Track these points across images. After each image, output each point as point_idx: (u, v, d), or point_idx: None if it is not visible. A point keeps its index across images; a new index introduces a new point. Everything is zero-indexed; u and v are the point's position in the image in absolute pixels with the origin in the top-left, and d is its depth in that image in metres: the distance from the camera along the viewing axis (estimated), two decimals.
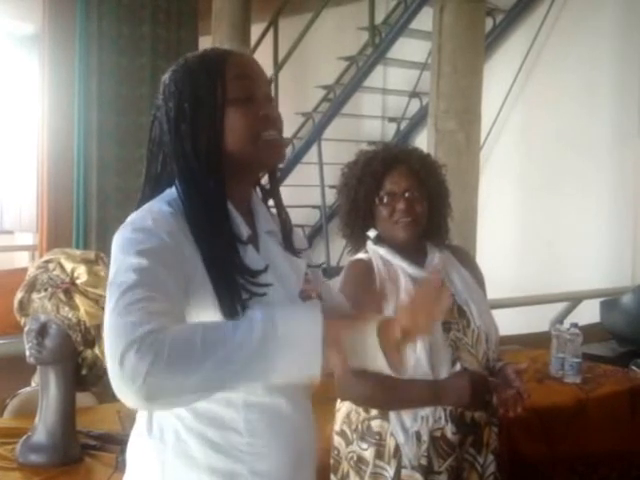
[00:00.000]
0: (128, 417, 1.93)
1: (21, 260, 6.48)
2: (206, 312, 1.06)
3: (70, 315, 1.62)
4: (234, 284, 1.07)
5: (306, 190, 5.68)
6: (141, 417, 1.16)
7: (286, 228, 1.25)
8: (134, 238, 1.03)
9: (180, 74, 1.16)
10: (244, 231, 1.15)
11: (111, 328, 0.95)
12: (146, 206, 1.12)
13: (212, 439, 1.08)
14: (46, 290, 1.63)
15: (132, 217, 1.09)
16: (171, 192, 1.15)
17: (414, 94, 5.90)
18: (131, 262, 0.99)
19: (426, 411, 1.72)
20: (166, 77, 1.18)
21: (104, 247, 4.55)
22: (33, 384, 2.00)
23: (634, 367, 2.75)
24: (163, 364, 0.88)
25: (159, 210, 1.09)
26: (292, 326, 0.94)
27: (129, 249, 1.02)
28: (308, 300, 1.18)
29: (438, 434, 1.72)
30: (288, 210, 1.27)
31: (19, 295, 1.68)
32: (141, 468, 1.14)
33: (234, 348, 0.91)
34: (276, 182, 1.25)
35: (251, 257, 1.12)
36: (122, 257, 1.02)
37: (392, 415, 1.72)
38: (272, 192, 1.25)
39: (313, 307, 1.00)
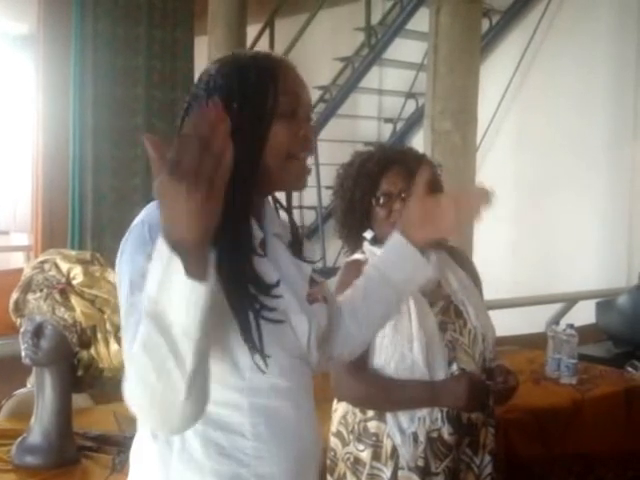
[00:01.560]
0: (125, 418, 1.93)
1: (16, 260, 6.46)
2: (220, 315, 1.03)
3: (66, 316, 1.61)
4: (247, 295, 1.05)
5: (302, 191, 5.67)
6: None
7: (296, 233, 1.24)
8: (147, 248, 0.97)
9: (229, 69, 1.12)
10: (258, 235, 1.13)
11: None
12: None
13: (218, 442, 1.07)
14: (42, 291, 1.62)
15: (146, 214, 1.05)
16: None
17: (410, 95, 5.91)
18: (134, 284, 0.97)
19: (423, 412, 1.72)
20: (211, 68, 1.13)
21: (99, 247, 4.50)
22: (29, 385, 1.99)
23: (630, 368, 2.75)
24: (140, 347, 0.87)
25: None
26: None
27: (138, 263, 0.98)
28: (315, 303, 1.18)
29: (435, 435, 1.72)
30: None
31: (14, 296, 1.68)
32: (145, 471, 1.12)
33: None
34: (291, 199, 1.23)
35: (264, 269, 1.10)
36: (129, 274, 0.99)
37: (389, 416, 1.72)
38: (288, 209, 1.23)
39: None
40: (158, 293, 0.85)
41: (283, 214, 1.25)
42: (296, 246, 1.22)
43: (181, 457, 1.07)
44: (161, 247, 0.83)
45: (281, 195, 1.24)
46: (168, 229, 0.83)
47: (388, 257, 1.35)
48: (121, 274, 1.02)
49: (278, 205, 1.23)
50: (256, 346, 1.04)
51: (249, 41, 5.83)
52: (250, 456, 1.08)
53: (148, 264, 0.88)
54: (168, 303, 0.85)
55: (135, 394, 0.90)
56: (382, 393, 1.72)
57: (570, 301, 4.03)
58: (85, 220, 4.87)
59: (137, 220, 1.06)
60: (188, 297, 0.84)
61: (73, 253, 1.70)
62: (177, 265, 0.83)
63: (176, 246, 0.83)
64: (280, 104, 1.10)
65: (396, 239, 1.32)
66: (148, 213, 1.06)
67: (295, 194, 1.25)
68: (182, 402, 0.88)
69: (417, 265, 1.32)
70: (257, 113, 1.09)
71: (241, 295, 1.05)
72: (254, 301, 1.06)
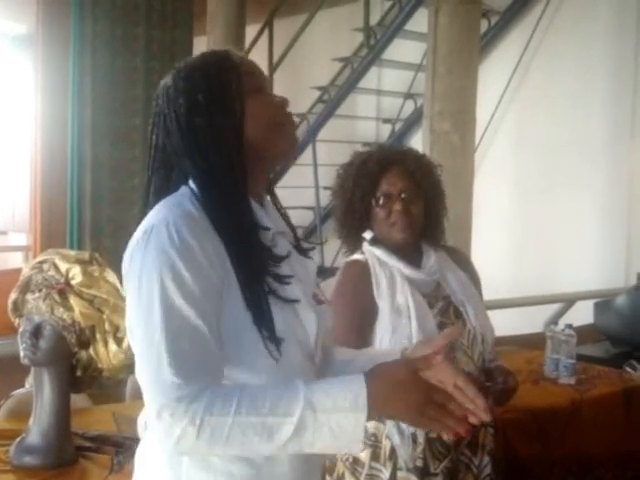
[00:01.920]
0: (124, 419, 1.93)
1: (15, 260, 6.45)
2: (229, 302, 1.05)
3: (65, 316, 1.60)
4: (260, 273, 1.07)
5: (300, 191, 5.67)
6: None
7: (295, 230, 1.24)
8: (175, 263, 1.00)
9: (186, 72, 1.14)
10: (266, 222, 1.13)
11: (148, 377, 1.00)
12: (170, 205, 1.07)
13: None
14: (40, 291, 1.62)
15: (163, 216, 1.05)
16: (184, 192, 1.12)
17: (409, 95, 5.91)
18: (173, 301, 1.00)
19: None
20: (167, 80, 1.15)
21: (98, 247, 4.50)
22: (27, 385, 1.98)
23: (628, 368, 2.75)
24: (194, 435, 0.96)
25: (187, 210, 1.06)
26: (334, 420, 0.97)
27: (170, 276, 1.00)
28: (320, 304, 1.18)
29: (434, 436, 1.72)
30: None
31: (13, 296, 1.67)
32: (153, 472, 1.12)
33: (268, 433, 0.96)
34: (274, 189, 1.24)
35: (273, 245, 1.12)
36: (157, 281, 1.00)
37: None
38: (273, 199, 1.23)
39: (358, 394, 0.98)
40: (325, 415, 0.96)
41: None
42: (299, 244, 1.23)
43: (193, 457, 1.07)
44: (361, 400, 0.97)
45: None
46: (395, 413, 1.03)
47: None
48: (142, 282, 1.02)
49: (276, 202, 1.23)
50: (269, 329, 1.05)
51: (248, 41, 5.82)
52: (262, 457, 1.08)
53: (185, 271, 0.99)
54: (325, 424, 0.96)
55: (210, 428, 0.96)
56: None
57: (568, 301, 4.04)
58: (84, 220, 4.86)
59: (151, 223, 1.05)
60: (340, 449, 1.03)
61: (72, 253, 1.70)
62: (361, 424, 0.97)
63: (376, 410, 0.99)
64: (245, 83, 1.13)
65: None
66: (165, 213, 1.06)
67: (293, 194, 1.25)
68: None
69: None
70: (226, 98, 1.11)
71: (254, 274, 1.06)
72: (266, 280, 1.07)
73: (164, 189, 1.14)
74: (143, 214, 1.12)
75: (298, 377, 1.08)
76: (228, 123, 1.10)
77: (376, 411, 0.99)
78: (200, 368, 0.99)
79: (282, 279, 1.09)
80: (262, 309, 1.05)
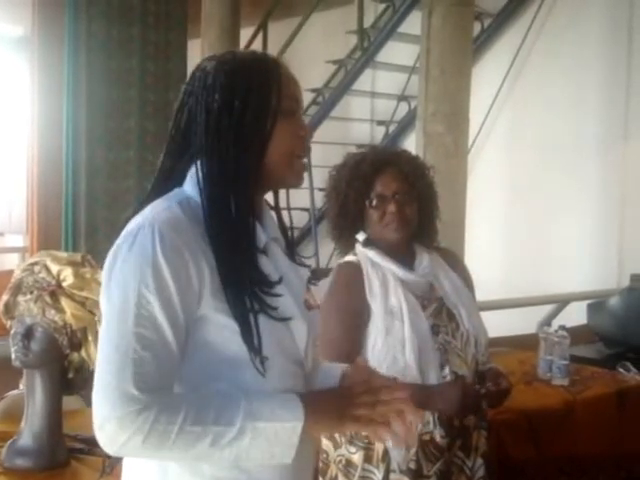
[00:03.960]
0: None
1: (11, 262, 6.44)
2: (217, 316, 1.05)
3: (56, 318, 1.60)
4: (248, 295, 1.05)
5: (295, 193, 5.61)
6: None
7: (290, 237, 1.23)
8: (157, 270, 1.00)
9: (231, 67, 1.10)
10: (263, 238, 1.12)
11: (107, 381, 0.99)
12: (160, 209, 1.06)
13: None
14: (32, 293, 1.61)
15: (138, 240, 1.03)
16: (181, 191, 1.11)
17: (402, 97, 5.91)
18: (149, 311, 0.99)
19: None
20: (210, 64, 1.12)
21: (93, 248, 4.50)
22: (21, 387, 1.98)
23: (621, 369, 2.76)
24: (140, 441, 0.96)
25: (175, 216, 1.05)
26: (271, 433, 1.00)
27: (150, 283, 1.00)
28: (310, 310, 1.18)
29: (427, 438, 1.72)
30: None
31: (4, 298, 1.67)
32: (141, 476, 1.12)
33: (211, 440, 0.98)
34: (278, 199, 1.23)
35: (267, 268, 1.10)
36: (135, 286, 1.00)
37: None
38: (276, 208, 1.22)
39: (294, 409, 1.02)
40: (263, 428, 0.99)
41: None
42: (291, 250, 1.22)
43: (180, 462, 1.07)
44: (298, 411, 1.01)
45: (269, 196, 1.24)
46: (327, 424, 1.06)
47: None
48: (119, 284, 1.02)
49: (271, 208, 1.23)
50: (255, 347, 1.04)
51: (242, 44, 5.82)
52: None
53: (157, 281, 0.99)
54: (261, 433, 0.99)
55: (158, 438, 0.97)
56: None
57: (562, 302, 4.04)
58: (79, 222, 4.86)
59: (138, 224, 1.04)
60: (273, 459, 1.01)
61: (64, 255, 1.69)
62: (294, 442, 1.01)
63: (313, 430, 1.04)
64: (282, 104, 1.11)
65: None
66: (153, 216, 1.05)
67: (287, 195, 1.25)
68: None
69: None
70: (261, 113, 1.09)
71: (244, 294, 1.05)
72: (256, 300, 1.05)
73: (170, 177, 1.13)
74: (142, 206, 1.10)
75: (285, 387, 1.09)
76: (255, 138, 1.09)
77: (312, 421, 1.02)
78: (159, 382, 1.00)
79: (272, 295, 1.08)
80: (249, 326, 1.04)
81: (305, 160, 1.16)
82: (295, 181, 1.17)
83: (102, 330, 1.03)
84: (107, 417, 0.97)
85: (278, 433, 1.00)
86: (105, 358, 1.00)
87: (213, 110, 1.09)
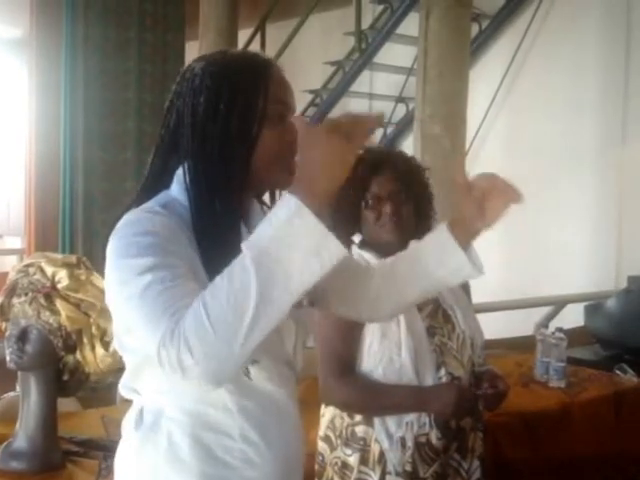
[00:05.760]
0: (112, 422, 1.92)
1: (9, 264, 6.44)
2: None
3: (51, 320, 1.60)
4: None
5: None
6: (128, 419, 1.14)
7: None
8: (135, 241, 1.00)
9: (218, 69, 1.09)
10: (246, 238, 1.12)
11: (145, 321, 0.95)
12: (140, 210, 1.07)
13: (206, 443, 1.07)
14: (26, 295, 1.61)
15: (127, 219, 1.04)
16: (167, 193, 1.10)
17: (400, 99, 5.91)
18: (139, 263, 0.97)
19: (411, 417, 1.71)
20: (196, 67, 1.11)
21: (90, 250, 4.51)
22: (18, 389, 1.98)
23: (618, 371, 2.76)
24: (190, 353, 0.90)
25: (155, 213, 1.05)
26: (284, 238, 0.92)
27: (133, 251, 0.99)
28: (299, 307, 1.17)
29: (423, 440, 1.72)
30: None
31: None
32: (130, 473, 1.12)
33: (241, 300, 0.90)
34: (275, 198, 1.20)
35: None
36: (126, 261, 0.99)
37: (376, 421, 1.71)
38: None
39: (287, 203, 0.93)
40: (277, 244, 0.90)
41: None
42: None
43: (168, 458, 1.07)
44: (293, 202, 0.91)
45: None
46: (315, 182, 0.93)
47: (432, 251, 1.24)
48: (120, 246, 1.01)
49: (265, 206, 1.22)
50: None
51: (240, 45, 5.82)
52: (237, 459, 1.08)
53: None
54: (287, 258, 0.90)
55: (196, 338, 0.89)
56: (370, 397, 1.71)
57: (559, 304, 4.04)
58: (76, 223, 4.87)
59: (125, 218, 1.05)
60: (319, 252, 0.91)
61: (59, 257, 1.69)
62: (311, 219, 0.91)
63: (313, 203, 0.91)
64: (269, 110, 1.09)
65: (442, 234, 1.22)
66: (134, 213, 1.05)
67: (279, 196, 1.24)
68: (239, 347, 0.90)
69: (460, 264, 1.22)
70: (246, 117, 1.07)
71: None
72: None
73: (160, 178, 1.13)
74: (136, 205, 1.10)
75: (273, 388, 1.09)
76: (240, 143, 1.07)
77: (309, 194, 0.92)
78: (182, 301, 0.95)
79: None
80: None
81: (293, 162, 1.11)
82: (284, 183, 1.13)
83: (115, 297, 1.02)
84: (156, 352, 0.92)
85: (291, 233, 0.91)
86: (137, 307, 0.97)
87: (199, 113, 1.08)
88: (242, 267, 0.91)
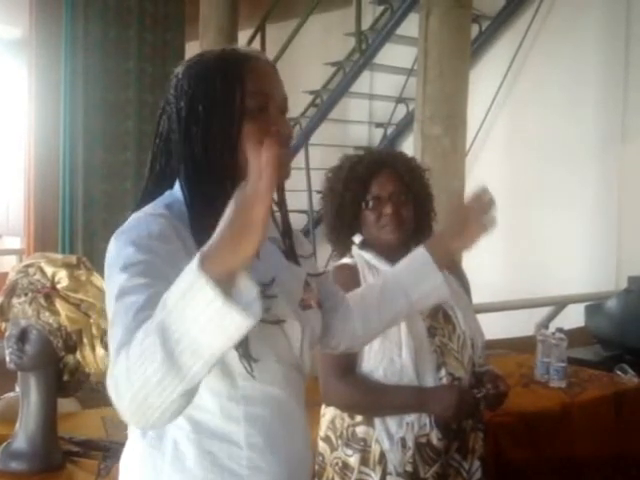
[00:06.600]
0: (112, 423, 1.92)
1: (9, 264, 6.44)
2: None
3: (51, 320, 1.59)
4: None
5: (293, 195, 5.61)
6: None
7: (288, 236, 1.22)
8: (129, 253, 0.98)
9: (195, 72, 1.10)
10: None
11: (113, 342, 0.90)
12: (143, 213, 1.06)
13: (213, 451, 1.07)
14: (26, 295, 1.61)
15: (129, 224, 1.04)
16: (171, 193, 1.11)
17: (400, 100, 5.92)
18: (121, 278, 0.95)
19: (411, 417, 1.71)
20: (179, 71, 1.12)
21: (90, 251, 4.49)
22: (18, 389, 1.97)
23: (619, 371, 2.76)
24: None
25: (157, 215, 1.05)
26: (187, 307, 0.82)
27: (127, 265, 0.96)
28: (308, 309, 1.17)
29: (423, 440, 1.71)
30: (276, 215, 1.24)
31: None
32: (136, 477, 1.11)
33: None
34: (282, 193, 1.20)
35: (257, 269, 1.05)
36: (118, 274, 0.97)
37: (377, 421, 1.71)
38: (279, 203, 1.20)
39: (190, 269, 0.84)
40: (178, 314, 0.81)
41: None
42: (290, 250, 1.21)
43: (174, 466, 1.06)
44: (196, 269, 0.81)
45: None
46: (234, 245, 0.83)
47: (410, 271, 1.36)
48: (116, 248, 1.01)
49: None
50: (243, 349, 1.02)
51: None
52: (244, 467, 1.07)
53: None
54: (193, 323, 0.80)
55: (123, 386, 0.84)
56: (370, 398, 1.71)
57: (559, 304, 4.04)
58: (76, 224, 4.86)
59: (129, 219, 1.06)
60: (224, 325, 0.81)
61: (58, 257, 1.69)
62: (210, 287, 0.80)
63: (223, 274, 0.81)
64: (247, 104, 1.08)
65: (421, 255, 1.34)
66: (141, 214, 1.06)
67: (286, 198, 1.23)
68: (171, 402, 0.84)
69: (436, 287, 1.34)
70: (225, 116, 1.07)
71: None
72: None
73: (160, 183, 1.13)
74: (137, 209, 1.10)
75: (278, 391, 1.08)
76: (223, 142, 1.07)
77: (209, 261, 0.83)
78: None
79: (263, 296, 1.05)
80: None
81: (284, 152, 1.08)
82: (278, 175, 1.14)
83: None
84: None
85: (192, 303, 0.81)
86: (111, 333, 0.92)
87: (182, 117, 1.09)
88: (154, 322, 0.83)
